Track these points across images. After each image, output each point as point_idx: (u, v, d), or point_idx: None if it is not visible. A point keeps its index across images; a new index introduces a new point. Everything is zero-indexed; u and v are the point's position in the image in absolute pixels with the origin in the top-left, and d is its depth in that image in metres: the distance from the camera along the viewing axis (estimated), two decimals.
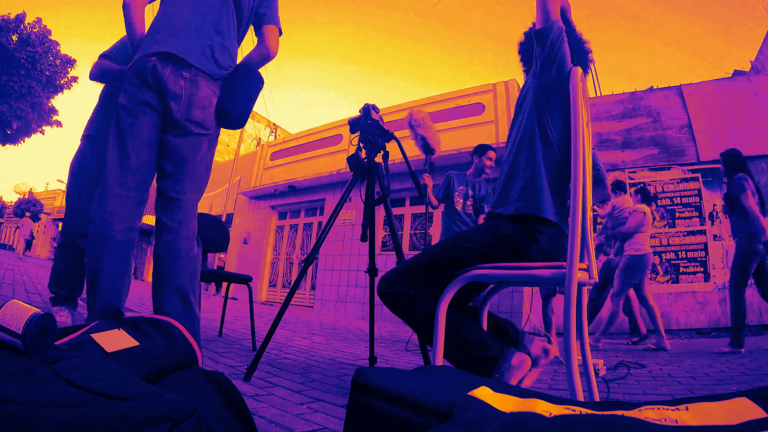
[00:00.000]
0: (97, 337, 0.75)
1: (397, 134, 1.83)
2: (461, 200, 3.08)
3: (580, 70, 1.06)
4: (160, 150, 1.31)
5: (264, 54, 1.47)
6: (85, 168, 2.00)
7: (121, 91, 1.30)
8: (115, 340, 0.76)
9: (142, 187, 1.28)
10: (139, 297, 5.14)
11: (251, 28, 1.55)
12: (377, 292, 1.23)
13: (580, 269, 0.97)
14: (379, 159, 1.78)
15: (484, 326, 1.23)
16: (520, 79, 7.44)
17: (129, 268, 1.23)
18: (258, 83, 1.43)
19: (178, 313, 1.20)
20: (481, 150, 3.12)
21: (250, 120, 14.90)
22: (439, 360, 1.04)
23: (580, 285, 1.06)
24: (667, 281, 5.00)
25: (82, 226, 1.94)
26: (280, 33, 1.52)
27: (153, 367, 0.76)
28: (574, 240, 0.95)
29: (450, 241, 1.20)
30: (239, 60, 1.48)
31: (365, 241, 1.69)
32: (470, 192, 3.09)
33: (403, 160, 1.78)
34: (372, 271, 1.77)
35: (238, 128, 1.44)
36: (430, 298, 1.12)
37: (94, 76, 1.91)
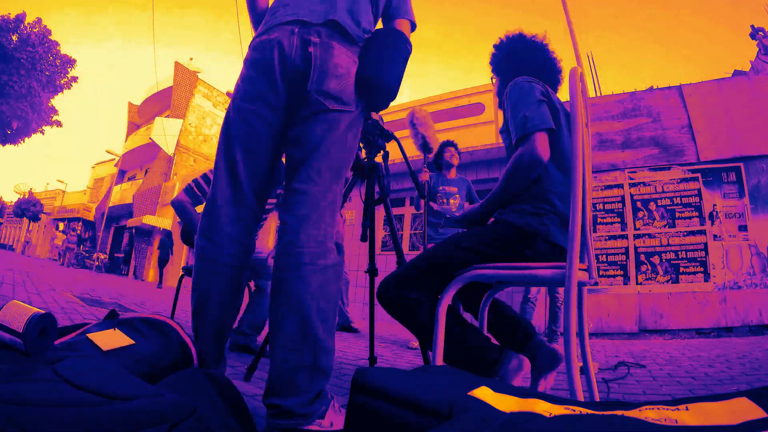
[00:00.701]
0: (93, 336, 0.75)
1: (397, 134, 1.83)
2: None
3: (579, 69, 1.06)
4: (287, 140, 1.06)
5: None
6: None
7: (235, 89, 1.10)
8: (111, 340, 0.76)
9: (254, 205, 1.08)
10: (139, 298, 5.15)
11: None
12: (376, 297, 1.22)
13: (580, 269, 0.97)
14: (379, 159, 1.78)
15: (485, 326, 1.23)
16: None
17: (240, 292, 1.08)
18: (406, 46, 1.12)
19: (292, 338, 0.89)
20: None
21: None
22: (439, 360, 1.04)
23: (580, 285, 1.06)
24: (667, 281, 5.00)
25: None
26: (413, 27, 1.26)
27: (149, 366, 0.76)
28: (574, 240, 0.95)
29: (448, 243, 1.20)
30: None
31: (365, 241, 1.69)
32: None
33: (403, 160, 1.78)
34: (372, 271, 1.77)
35: (386, 104, 1.12)
36: (430, 301, 1.12)
37: None
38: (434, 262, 1.16)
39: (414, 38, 1.26)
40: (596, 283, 1.13)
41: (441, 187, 3.18)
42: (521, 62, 1.31)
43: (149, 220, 13.58)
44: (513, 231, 1.13)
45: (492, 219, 1.23)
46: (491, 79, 1.45)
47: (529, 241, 1.12)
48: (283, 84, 1.03)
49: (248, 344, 2.04)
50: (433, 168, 3.31)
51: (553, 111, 1.18)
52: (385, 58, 1.07)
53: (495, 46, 1.37)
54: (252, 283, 2.33)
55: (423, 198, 1.85)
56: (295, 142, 1.03)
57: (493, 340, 1.18)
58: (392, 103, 1.15)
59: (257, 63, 1.05)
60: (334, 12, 1.06)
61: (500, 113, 6.50)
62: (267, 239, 9.33)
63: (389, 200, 1.76)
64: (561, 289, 3.01)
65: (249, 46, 1.10)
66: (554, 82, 1.33)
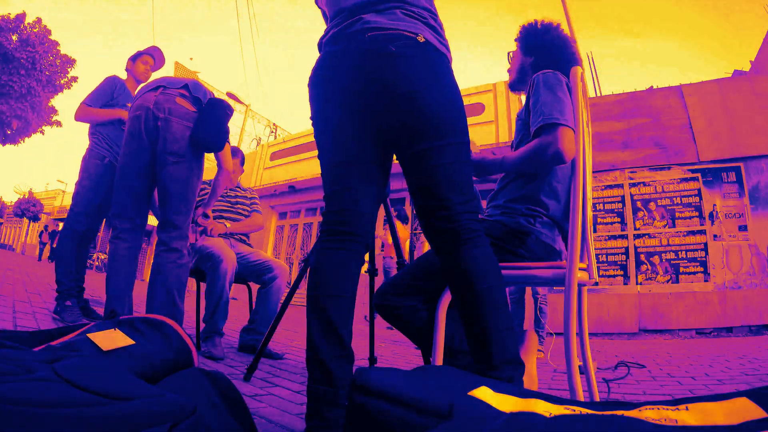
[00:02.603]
0: (93, 336, 0.75)
1: None
2: None
3: (580, 69, 1.06)
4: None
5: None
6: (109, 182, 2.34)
7: None
8: (111, 340, 0.76)
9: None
10: (139, 298, 5.13)
11: None
12: (374, 306, 1.22)
13: (580, 269, 0.97)
14: None
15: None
16: None
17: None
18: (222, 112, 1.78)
19: (163, 303, 1.60)
20: None
21: (249, 119, 14.90)
22: (439, 360, 1.04)
23: (580, 285, 1.06)
24: (667, 281, 5.00)
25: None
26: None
27: (149, 366, 0.76)
28: (574, 240, 0.95)
29: None
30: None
31: None
32: None
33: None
34: (372, 271, 1.77)
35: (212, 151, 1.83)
36: (427, 308, 1.11)
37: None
38: (429, 266, 1.15)
39: None
40: (596, 283, 1.14)
41: None
42: (559, 52, 1.28)
43: (149, 220, 13.55)
44: (504, 231, 1.14)
45: (483, 217, 1.24)
46: (509, 54, 1.41)
47: (522, 238, 1.12)
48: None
49: (256, 345, 2.04)
50: None
51: None
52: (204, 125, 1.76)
53: (534, 27, 1.32)
54: (251, 284, 2.33)
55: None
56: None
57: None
58: None
59: None
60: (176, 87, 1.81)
61: (500, 113, 6.50)
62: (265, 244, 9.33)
63: (389, 200, 1.76)
64: (543, 290, 2.95)
65: None
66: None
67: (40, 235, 17.87)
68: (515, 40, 1.38)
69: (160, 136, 1.66)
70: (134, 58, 2.60)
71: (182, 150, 1.67)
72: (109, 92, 2.45)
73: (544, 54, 1.29)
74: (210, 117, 1.74)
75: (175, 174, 1.66)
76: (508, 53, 1.42)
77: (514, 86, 1.41)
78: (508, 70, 1.42)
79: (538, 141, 1.08)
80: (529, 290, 3.29)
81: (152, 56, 2.62)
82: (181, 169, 1.67)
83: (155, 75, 2.66)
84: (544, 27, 1.31)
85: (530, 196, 1.16)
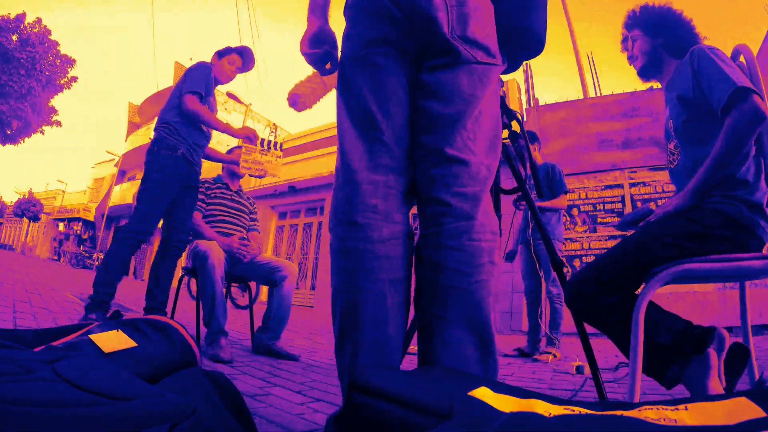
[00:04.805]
0: (95, 337, 0.75)
1: None
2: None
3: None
4: (420, 92, 0.79)
5: None
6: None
7: (344, 41, 0.85)
8: (113, 341, 0.76)
9: (403, 168, 0.79)
10: (140, 298, 5.14)
11: None
12: (566, 304, 1.14)
13: None
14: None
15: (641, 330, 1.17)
16: (520, 79, 7.31)
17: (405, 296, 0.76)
18: None
19: (474, 363, 0.70)
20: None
21: (249, 120, 14.88)
22: (640, 361, 0.95)
23: None
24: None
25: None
26: None
27: (151, 368, 0.76)
28: None
29: (646, 237, 1.09)
30: None
31: None
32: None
33: None
34: None
35: (534, 56, 0.91)
36: (625, 303, 1.06)
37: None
38: (633, 260, 1.07)
39: None
40: None
41: None
42: (687, 30, 1.21)
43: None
44: (722, 220, 1.03)
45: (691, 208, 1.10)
46: (627, 39, 1.30)
47: (744, 233, 1.02)
48: (405, 21, 0.78)
49: (271, 346, 2.03)
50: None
51: None
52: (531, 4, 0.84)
53: (655, 8, 1.25)
54: (253, 285, 2.33)
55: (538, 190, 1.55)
56: (434, 93, 0.77)
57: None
58: None
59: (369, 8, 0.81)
60: None
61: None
62: (266, 242, 9.33)
63: None
64: (556, 289, 2.85)
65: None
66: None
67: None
68: (629, 25, 1.29)
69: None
70: (221, 55, 2.29)
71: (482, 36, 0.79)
72: (209, 81, 2.16)
73: (673, 33, 1.21)
74: None
75: (449, 81, 0.78)
76: (626, 39, 1.31)
77: (646, 71, 1.30)
78: (630, 57, 1.32)
79: (733, 116, 0.99)
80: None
81: (241, 56, 2.33)
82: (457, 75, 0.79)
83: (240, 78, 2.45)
84: (662, 7, 1.24)
85: (747, 181, 1.05)
